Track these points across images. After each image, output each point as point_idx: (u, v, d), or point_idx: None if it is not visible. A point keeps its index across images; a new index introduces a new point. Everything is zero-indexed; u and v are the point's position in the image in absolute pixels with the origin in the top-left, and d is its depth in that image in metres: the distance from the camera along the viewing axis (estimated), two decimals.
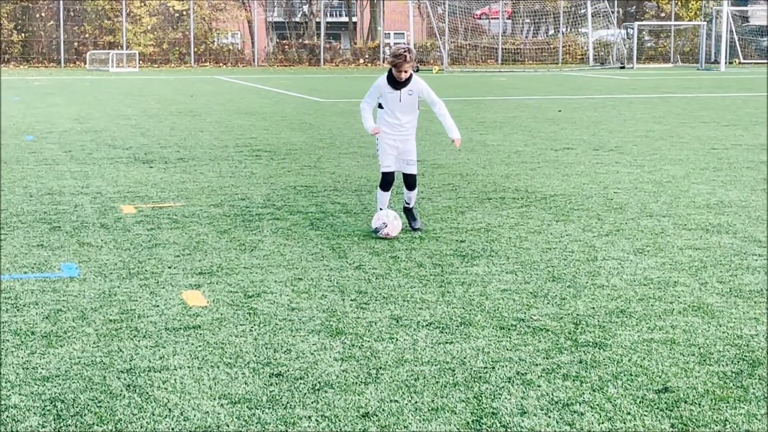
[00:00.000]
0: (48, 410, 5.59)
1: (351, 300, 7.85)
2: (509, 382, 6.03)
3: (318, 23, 71.01)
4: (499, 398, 5.77)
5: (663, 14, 73.36)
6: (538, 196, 12.66)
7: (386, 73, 10.17)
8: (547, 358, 6.46)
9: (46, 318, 7.34)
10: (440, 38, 65.36)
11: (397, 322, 7.27)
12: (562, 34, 70.54)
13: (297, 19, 74.68)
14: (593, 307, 7.64)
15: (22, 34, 62.75)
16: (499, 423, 5.42)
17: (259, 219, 11.16)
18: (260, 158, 16.57)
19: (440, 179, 14.08)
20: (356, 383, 6.01)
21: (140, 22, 63.86)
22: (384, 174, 10.44)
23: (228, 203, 12.20)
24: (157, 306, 7.67)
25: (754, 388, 5.91)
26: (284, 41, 70.11)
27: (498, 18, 72.53)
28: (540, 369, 6.26)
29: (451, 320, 7.31)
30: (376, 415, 5.53)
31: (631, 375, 6.15)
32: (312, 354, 6.55)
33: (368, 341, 6.82)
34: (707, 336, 6.93)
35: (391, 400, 5.74)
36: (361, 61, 67.87)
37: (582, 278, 8.53)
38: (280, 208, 11.81)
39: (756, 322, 7.24)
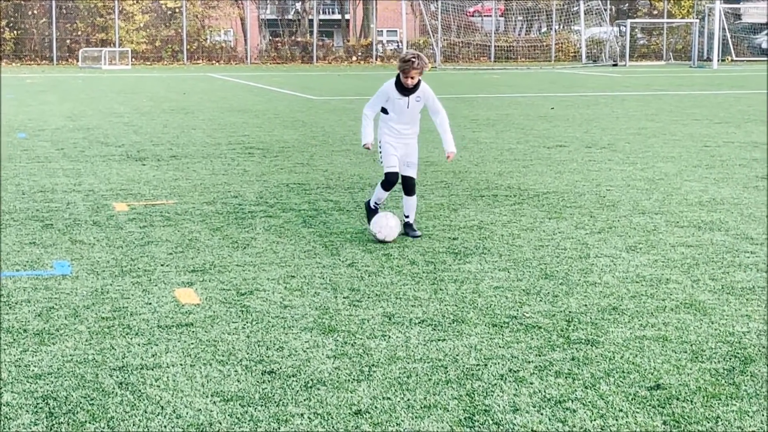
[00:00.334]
0: (40, 408, 5.58)
1: (343, 297, 7.86)
2: (502, 379, 6.04)
3: (311, 21, 70.99)
4: (492, 395, 5.77)
5: (655, 12, 73.45)
6: (531, 194, 12.67)
7: (394, 79, 9.88)
8: (540, 356, 6.47)
9: (39, 316, 7.33)
10: (433, 36, 65.35)
11: (390, 319, 7.27)
12: (555, 31, 70.57)
13: (290, 17, 74.67)
14: (585, 305, 7.65)
15: (15, 32, 62.63)
16: (492, 420, 5.43)
17: (252, 217, 11.15)
18: (253, 156, 16.57)
19: (433, 177, 14.08)
20: (348, 380, 6.01)
21: (133, 19, 63.76)
22: (388, 174, 10.09)
23: (220, 201, 12.19)
24: (150, 304, 7.66)
25: (746, 385, 5.93)
26: (277, 39, 70.06)
27: (491, 15, 72.54)
28: (532, 366, 6.26)
29: (443, 317, 7.31)
30: (369, 413, 5.53)
31: (623, 372, 6.15)
32: (304, 351, 6.55)
33: (361, 338, 6.82)
34: (699, 333, 6.94)
35: (383, 398, 5.74)
36: (354, 58, 67.84)
37: (574, 275, 8.54)
38: (272, 206, 11.81)
39: (748, 319, 7.25)
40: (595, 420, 5.43)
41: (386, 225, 9.81)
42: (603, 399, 5.72)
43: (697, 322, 7.18)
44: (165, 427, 5.34)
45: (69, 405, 5.62)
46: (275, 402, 5.68)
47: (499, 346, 6.65)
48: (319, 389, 5.87)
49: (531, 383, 5.97)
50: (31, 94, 32.54)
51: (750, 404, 5.64)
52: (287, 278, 8.44)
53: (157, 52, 64.60)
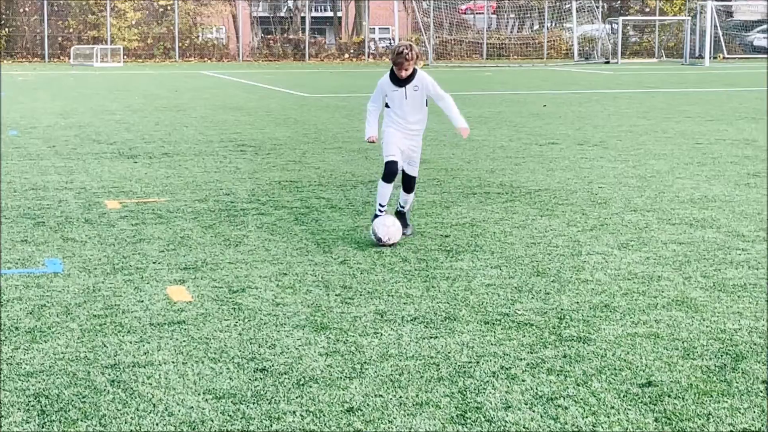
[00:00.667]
0: (32, 406, 5.58)
1: (336, 295, 7.86)
2: (494, 376, 6.04)
3: (303, 18, 70.93)
4: (484, 393, 5.78)
5: (647, 9, 73.49)
6: (523, 191, 12.67)
7: (388, 72, 9.69)
8: (532, 353, 6.47)
9: (30, 313, 7.32)
10: (425, 33, 65.32)
11: (382, 316, 7.27)
12: (547, 29, 70.59)
13: (282, 14, 74.58)
14: (577, 302, 7.65)
15: (6, 29, 62.50)
16: (484, 417, 5.43)
17: (244, 214, 11.14)
18: (245, 153, 16.55)
19: (425, 174, 14.08)
20: (341, 378, 6.02)
21: (125, 16, 63.65)
22: (387, 163, 9.77)
23: (212, 198, 12.19)
24: (142, 301, 7.66)
25: (737, 382, 5.94)
26: (269, 36, 69.96)
27: (483, 13, 72.54)
28: (524, 363, 6.27)
29: (435, 315, 7.31)
30: (361, 410, 5.53)
31: (615, 369, 6.16)
32: (296, 349, 6.55)
33: (353, 336, 6.82)
34: (691, 330, 6.95)
35: (375, 395, 5.74)
36: (346, 56, 67.80)
37: (566, 273, 8.55)
38: (264, 203, 11.80)
39: (739, 317, 7.26)
40: (587, 417, 5.43)
41: (382, 224, 9.53)
42: (595, 396, 5.73)
43: (688, 320, 7.20)
44: (157, 424, 5.34)
45: (61, 403, 5.62)
46: (267, 399, 5.68)
47: (491, 344, 6.66)
48: (311, 387, 5.87)
49: (523, 380, 5.97)
50: (23, 92, 32.48)
51: (741, 401, 5.65)
52: (279, 276, 8.44)
53: (149, 50, 64.51)
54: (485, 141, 18.33)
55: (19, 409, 5.54)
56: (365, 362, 6.30)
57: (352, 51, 68.39)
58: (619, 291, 7.97)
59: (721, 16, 69.43)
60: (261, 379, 6.00)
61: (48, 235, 10.03)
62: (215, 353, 6.46)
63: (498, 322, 7.12)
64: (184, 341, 6.70)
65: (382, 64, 61.17)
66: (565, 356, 6.40)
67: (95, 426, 5.31)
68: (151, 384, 5.91)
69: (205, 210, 11.41)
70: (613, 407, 5.56)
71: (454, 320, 7.18)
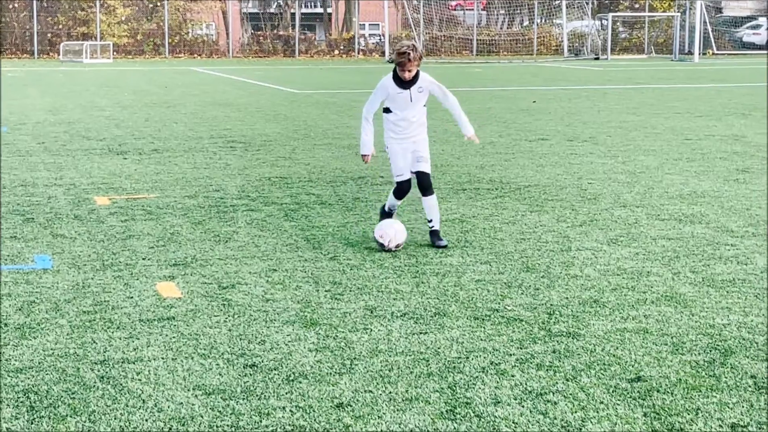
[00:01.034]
0: (21, 402, 5.57)
1: (325, 291, 7.86)
2: (483, 372, 6.05)
3: (293, 14, 70.85)
4: (473, 388, 5.78)
5: (637, 5, 73.56)
6: (513, 187, 12.68)
7: (391, 73, 9.20)
8: (521, 348, 6.48)
9: (20, 310, 7.31)
10: (415, 29, 65.35)
11: (372, 312, 7.28)
12: (537, 25, 70.62)
13: (272, 10, 74.49)
14: (567, 297, 7.67)
15: None
16: (473, 413, 5.44)
17: (234, 210, 11.14)
18: (235, 149, 16.54)
19: None
20: (330, 374, 6.02)
21: (114, 12, 63.53)
22: (399, 183, 9.44)
23: (202, 194, 12.17)
24: (131, 297, 7.65)
25: (726, 377, 5.95)
26: (259, 32, 69.87)
27: (473, 9, 72.56)
28: (514, 359, 6.28)
29: (425, 311, 7.32)
30: (351, 406, 5.53)
31: (604, 364, 6.18)
32: (286, 345, 6.55)
33: (342, 332, 6.83)
34: (680, 325, 6.96)
35: (365, 391, 5.75)
36: (336, 52, 67.75)
37: (556, 268, 8.56)
38: (254, 200, 11.80)
39: (728, 312, 7.28)
40: (576, 412, 5.44)
41: (389, 226, 9.27)
42: (584, 391, 5.74)
43: (677, 315, 7.21)
44: (146, 420, 5.34)
45: (50, 399, 5.61)
46: (257, 395, 5.68)
47: (481, 339, 6.66)
48: (300, 382, 5.88)
49: (512, 376, 5.98)
50: (12, 88, 32.40)
51: (730, 396, 5.67)
52: (269, 272, 8.44)
53: (139, 46, 64.38)
54: None
55: (8, 405, 5.53)
56: (355, 358, 6.30)
57: (342, 47, 68.35)
58: (609, 286, 7.98)
59: (711, 12, 69.55)
60: (251, 374, 6.01)
61: (37, 232, 10.02)
62: (205, 349, 6.46)
63: (487, 318, 7.13)
64: (173, 337, 6.70)
65: (372, 60, 61.18)
66: (554, 351, 6.42)
67: (84, 422, 5.31)
68: (140, 380, 5.91)
69: (195, 206, 11.40)
70: (602, 402, 5.58)
71: (444, 316, 7.19)
